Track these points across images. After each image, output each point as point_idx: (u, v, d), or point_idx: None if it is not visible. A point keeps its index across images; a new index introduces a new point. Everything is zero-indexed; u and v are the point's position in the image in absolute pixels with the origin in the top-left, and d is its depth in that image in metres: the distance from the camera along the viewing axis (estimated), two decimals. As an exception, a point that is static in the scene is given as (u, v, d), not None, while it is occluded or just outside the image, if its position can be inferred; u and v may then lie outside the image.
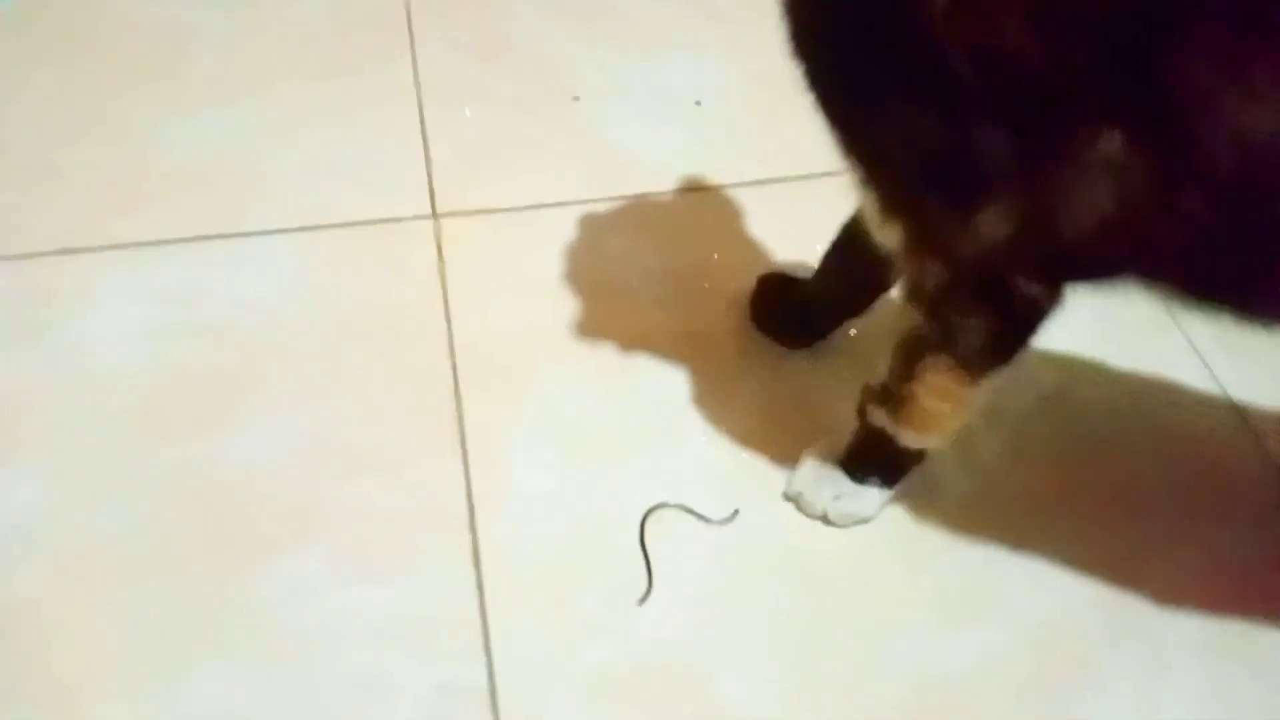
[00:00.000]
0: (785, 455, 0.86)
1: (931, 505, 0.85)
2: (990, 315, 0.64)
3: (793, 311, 0.91)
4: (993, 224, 0.58)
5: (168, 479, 0.80)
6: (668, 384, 0.90)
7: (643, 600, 0.77)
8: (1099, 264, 0.62)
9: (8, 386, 0.84)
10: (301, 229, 0.96)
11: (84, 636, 0.73)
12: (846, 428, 0.83)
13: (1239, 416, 0.95)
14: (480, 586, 0.77)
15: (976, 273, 0.62)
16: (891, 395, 0.75)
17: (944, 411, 0.72)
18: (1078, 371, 0.96)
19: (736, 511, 0.82)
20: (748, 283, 0.94)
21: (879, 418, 0.77)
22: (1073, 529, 0.85)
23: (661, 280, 0.97)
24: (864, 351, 0.92)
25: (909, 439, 0.77)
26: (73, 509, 0.78)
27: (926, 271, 0.65)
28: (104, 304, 0.90)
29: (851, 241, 0.79)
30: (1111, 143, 0.54)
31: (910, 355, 0.71)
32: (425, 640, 0.75)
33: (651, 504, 0.82)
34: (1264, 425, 0.94)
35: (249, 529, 0.78)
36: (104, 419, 0.83)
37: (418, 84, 1.10)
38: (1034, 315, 0.64)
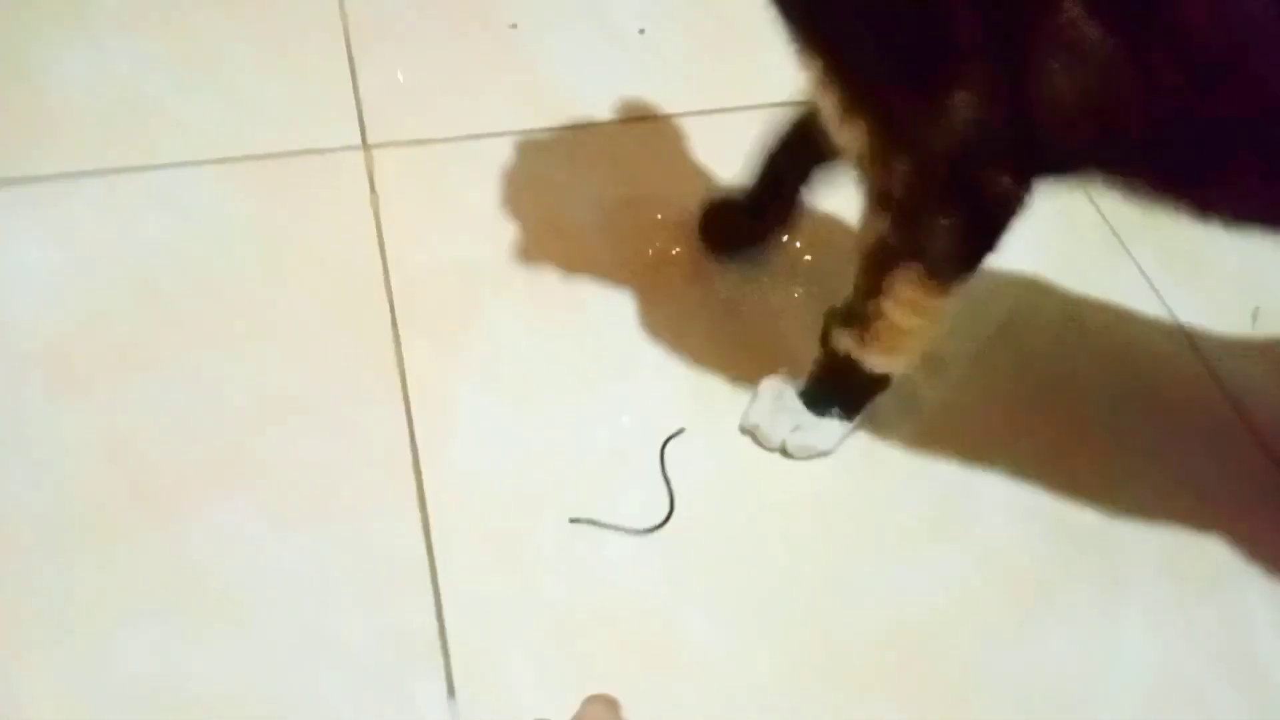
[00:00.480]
0: (741, 386, 0.83)
1: (890, 437, 0.84)
2: (960, 213, 0.62)
3: (736, 220, 0.89)
4: (963, 110, 0.56)
5: (83, 433, 0.74)
6: (617, 317, 0.87)
7: (663, 523, 0.75)
8: (1069, 153, 0.60)
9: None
10: (219, 161, 0.90)
11: (6, 609, 0.67)
12: (805, 358, 0.81)
13: (1189, 341, 0.95)
14: (427, 530, 0.74)
15: (946, 167, 0.60)
16: (858, 315, 0.72)
17: (913, 327, 0.70)
18: (1031, 300, 0.96)
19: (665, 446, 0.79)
20: (695, 211, 0.91)
21: (844, 342, 0.75)
22: (1030, 455, 0.85)
23: (608, 211, 0.93)
24: (821, 280, 0.90)
25: (875, 362, 0.75)
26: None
27: (893, 173, 0.62)
28: (5, 245, 0.83)
29: (790, 144, 0.78)
30: (1084, 18, 0.52)
31: (877, 268, 0.68)
32: (369, 588, 0.71)
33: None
34: (1212, 349, 0.95)
35: (176, 483, 0.73)
36: (6, 371, 0.76)
37: (343, 11, 1.03)
38: (1004, 211, 0.62)
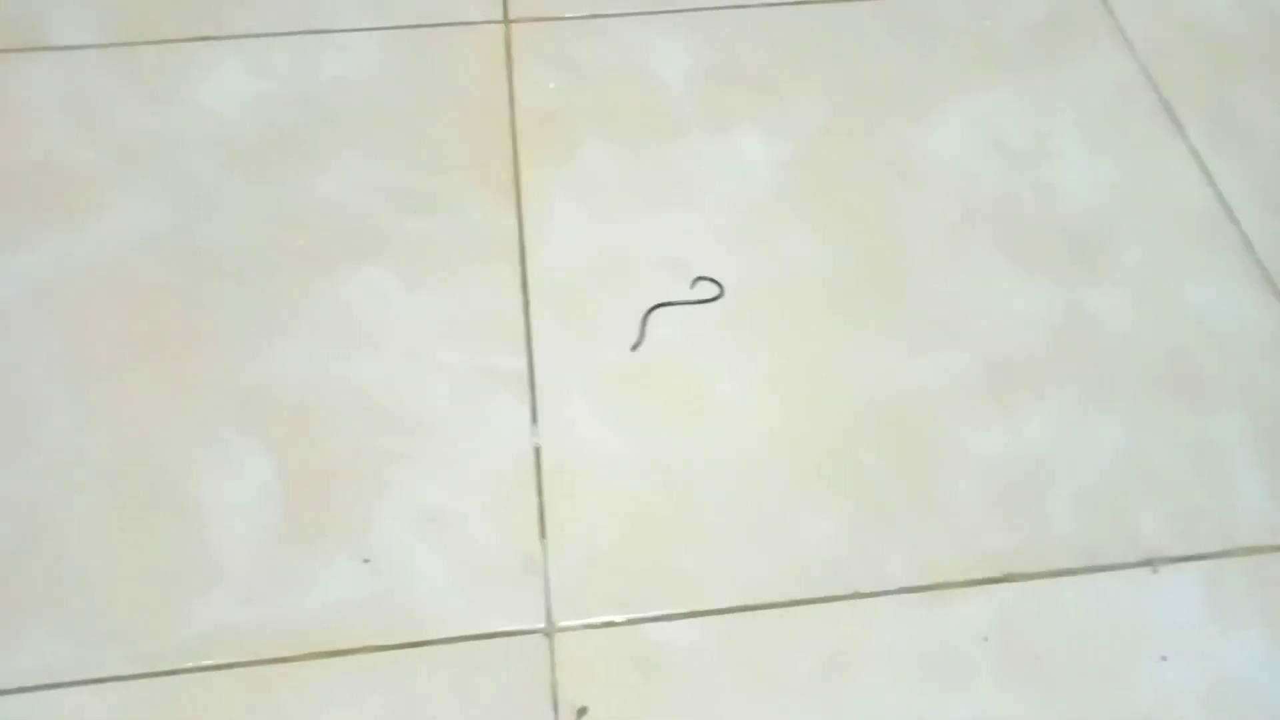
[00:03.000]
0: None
1: (910, 245, 0.97)
2: None
3: None
4: None
5: (267, 208, 0.98)
6: (690, 157, 1.04)
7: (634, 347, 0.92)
8: None
9: (144, 136, 1.02)
10: (389, 28, 1.12)
11: (203, 316, 0.91)
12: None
13: (1228, 214, 1.03)
14: (525, 299, 0.93)
15: None
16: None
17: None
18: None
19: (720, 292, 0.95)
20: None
21: None
22: (1028, 268, 0.97)
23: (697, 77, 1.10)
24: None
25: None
26: (193, 225, 0.96)
27: None
28: (222, 78, 1.07)
29: None
30: None
31: None
32: (477, 337, 0.91)
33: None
34: (1251, 224, 1.02)
35: (333, 248, 0.96)
36: (218, 161, 1.01)
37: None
38: None
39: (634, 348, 0.91)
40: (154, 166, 1.00)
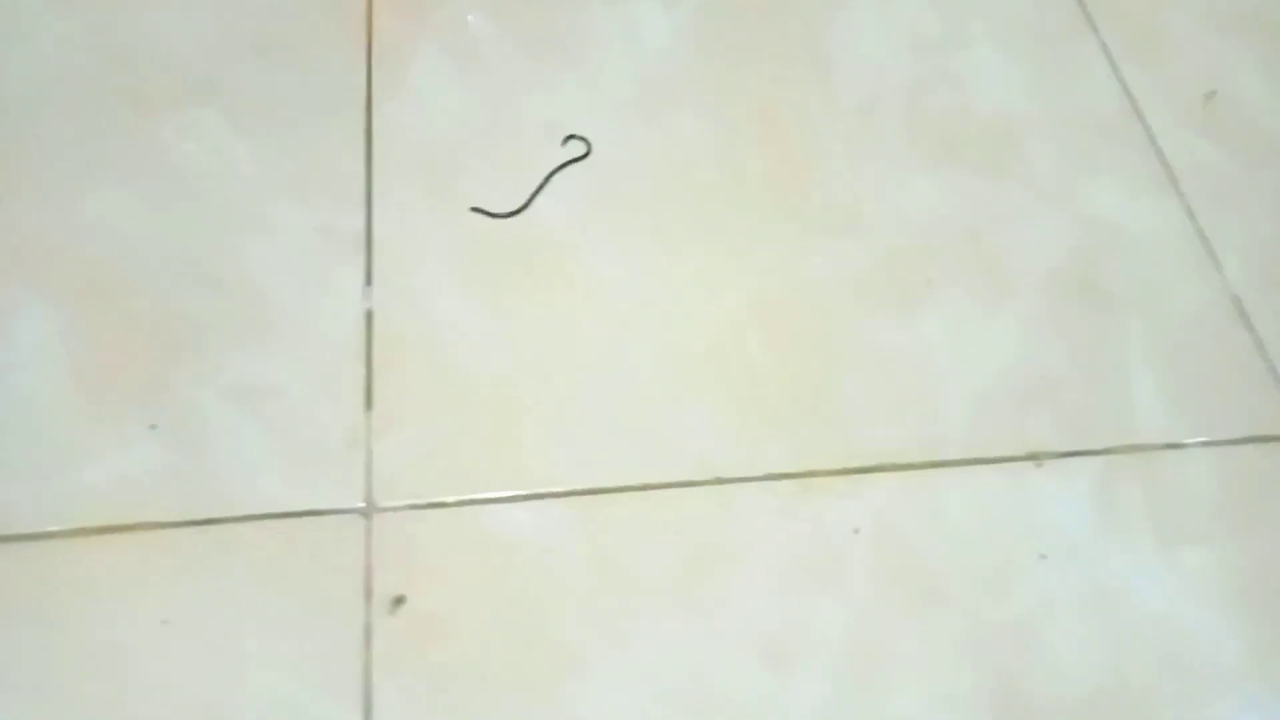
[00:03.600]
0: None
1: (810, 129, 0.90)
2: None
3: None
4: None
5: (77, 36, 0.85)
6: (575, 17, 0.94)
7: (519, 210, 0.82)
8: None
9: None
10: None
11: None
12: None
13: (1138, 115, 0.98)
14: (369, 157, 0.83)
15: None
16: None
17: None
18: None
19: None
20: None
21: None
22: (932, 161, 0.90)
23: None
24: None
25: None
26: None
27: None
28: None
29: None
30: None
31: None
32: (311, 192, 0.80)
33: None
34: (1161, 125, 0.97)
35: (156, 87, 0.84)
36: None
37: None
38: None
39: (514, 213, 0.81)
40: (-60, -21, 0.86)
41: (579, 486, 0.70)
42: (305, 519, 0.67)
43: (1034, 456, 0.74)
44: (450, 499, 0.69)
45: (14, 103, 0.81)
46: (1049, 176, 0.93)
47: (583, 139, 0.86)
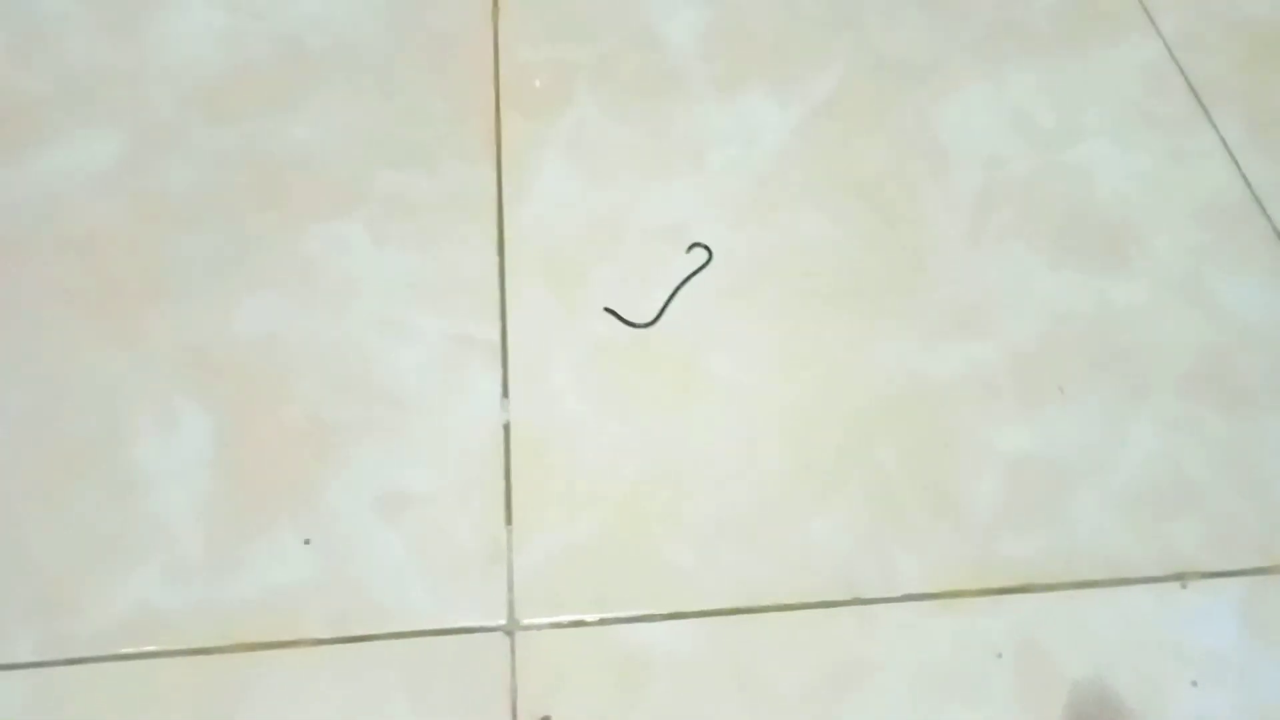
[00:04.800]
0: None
1: (927, 225, 0.89)
2: None
3: None
4: None
5: (232, 150, 0.89)
6: (693, 119, 0.95)
7: (653, 321, 0.83)
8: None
9: (100, 64, 0.93)
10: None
11: (151, 262, 0.82)
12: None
13: (1260, 208, 0.96)
14: (502, 264, 0.85)
15: None
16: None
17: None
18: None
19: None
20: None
21: None
22: (1053, 255, 0.89)
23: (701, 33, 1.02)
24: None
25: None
26: (147, 164, 0.87)
27: None
28: (183, 6, 0.98)
29: None
30: None
31: None
32: (448, 301, 0.82)
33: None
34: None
35: (299, 198, 0.87)
36: (176, 98, 0.92)
37: None
38: None
39: (648, 324, 0.82)
40: (106, 99, 0.90)
41: (716, 606, 0.70)
42: (451, 636, 0.68)
43: (1179, 577, 0.72)
44: (590, 617, 0.69)
45: (175, 216, 0.84)
46: (1173, 270, 0.91)
47: (705, 247, 0.87)
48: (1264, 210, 0.96)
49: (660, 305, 0.83)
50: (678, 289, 0.84)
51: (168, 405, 0.75)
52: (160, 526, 0.71)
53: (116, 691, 0.65)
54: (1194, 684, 0.69)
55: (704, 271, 0.86)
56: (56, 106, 0.90)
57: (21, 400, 0.75)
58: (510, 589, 0.69)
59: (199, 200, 0.86)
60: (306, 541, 0.70)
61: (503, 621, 0.68)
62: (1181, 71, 1.05)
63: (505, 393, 0.78)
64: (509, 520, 0.72)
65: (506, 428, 0.76)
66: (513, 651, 0.67)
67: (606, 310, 0.82)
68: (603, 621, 0.69)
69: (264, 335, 0.79)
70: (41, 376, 0.76)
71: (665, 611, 0.69)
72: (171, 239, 0.83)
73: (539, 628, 0.68)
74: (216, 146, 0.89)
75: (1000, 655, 0.69)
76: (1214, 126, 1.01)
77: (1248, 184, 0.97)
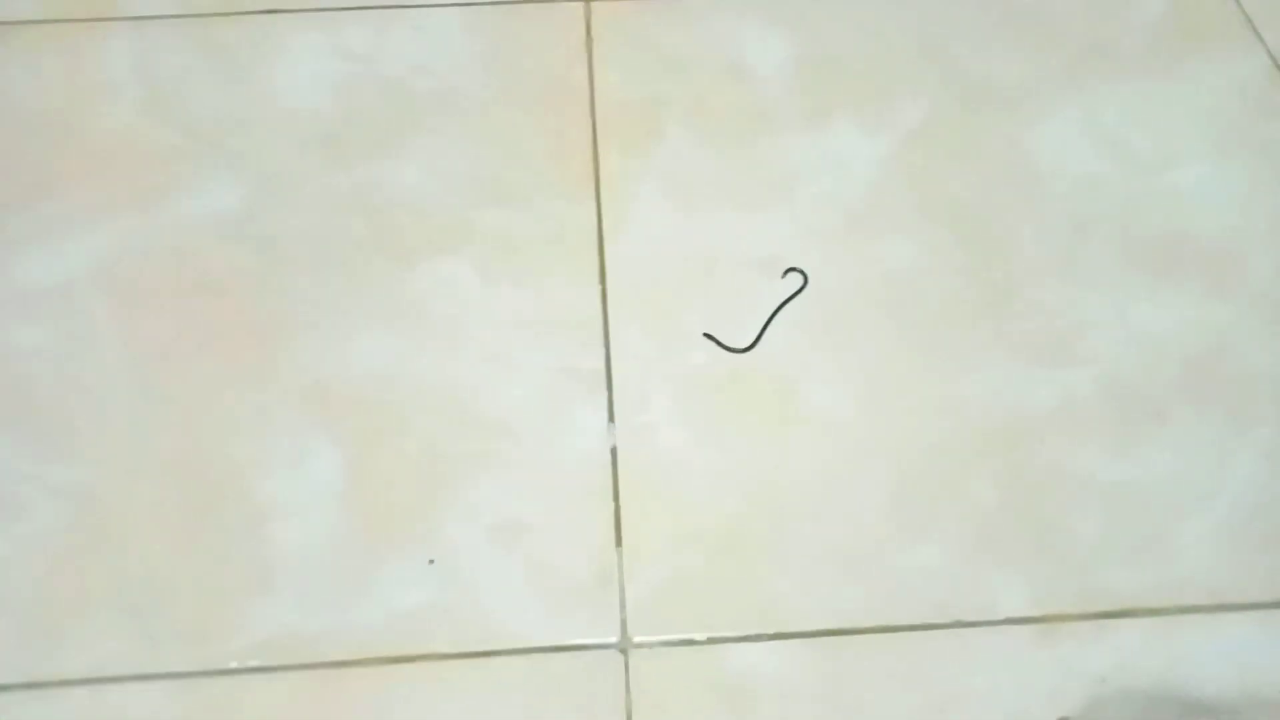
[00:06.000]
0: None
1: (1021, 252, 0.94)
2: None
3: None
4: None
5: (344, 195, 0.98)
6: (784, 151, 1.02)
7: (750, 346, 0.89)
8: None
9: (219, 116, 1.03)
10: (468, 5, 1.12)
11: (275, 303, 0.91)
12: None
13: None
14: (604, 296, 0.92)
15: None
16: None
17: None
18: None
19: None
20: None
21: None
22: (1151, 281, 0.93)
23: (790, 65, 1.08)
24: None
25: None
26: (267, 210, 0.97)
27: None
28: (298, 56, 1.07)
29: None
30: None
31: None
32: (554, 335, 0.90)
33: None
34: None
35: (409, 238, 0.95)
36: (293, 145, 1.01)
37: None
38: None
39: (747, 349, 0.88)
40: (226, 147, 1.00)
41: (818, 627, 0.76)
42: (568, 653, 0.74)
43: (1285, 603, 0.76)
44: (699, 637, 0.75)
45: (295, 258, 0.93)
46: (1276, 295, 0.94)
47: (800, 271, 0.93)
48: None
49: (757, 332, 0.89)
50: (775, 314, 0.90)
51: (297, 440, 0.84)
52: (295, 552, 0.79)
53: (258, 701, 0.73)
54: (1301, 709, 0.72)
55: (799, 301, 0.92)
56: (181, 156, 1.00)
57: (160, 436, 0.84)
58: (622, 608, 0.76)
59: (317, 243, 0.94)
60: (431, 562, 0.78)
61: (616, 639, 0.75)
62: (1286, 88, 1.08)
63: (611, 419, 0.85)
64: (619, 542, 0.79)
65: (614, 452, 0.83)
66: (626, 668, 0.74)
67: (706, 336, 0.89)
68: (710, 640, 0.75)
69: (381, 371, 0.87)
70: (177, 414, 0.85)
71: (769, 632, 0.75)
72: (290, 281, 0.92)
73: (650, 645, 0.75)
74: (328, 192, 0.98)
75: (1104, 680, 0.73)
76: (1319, 145, 1.03)
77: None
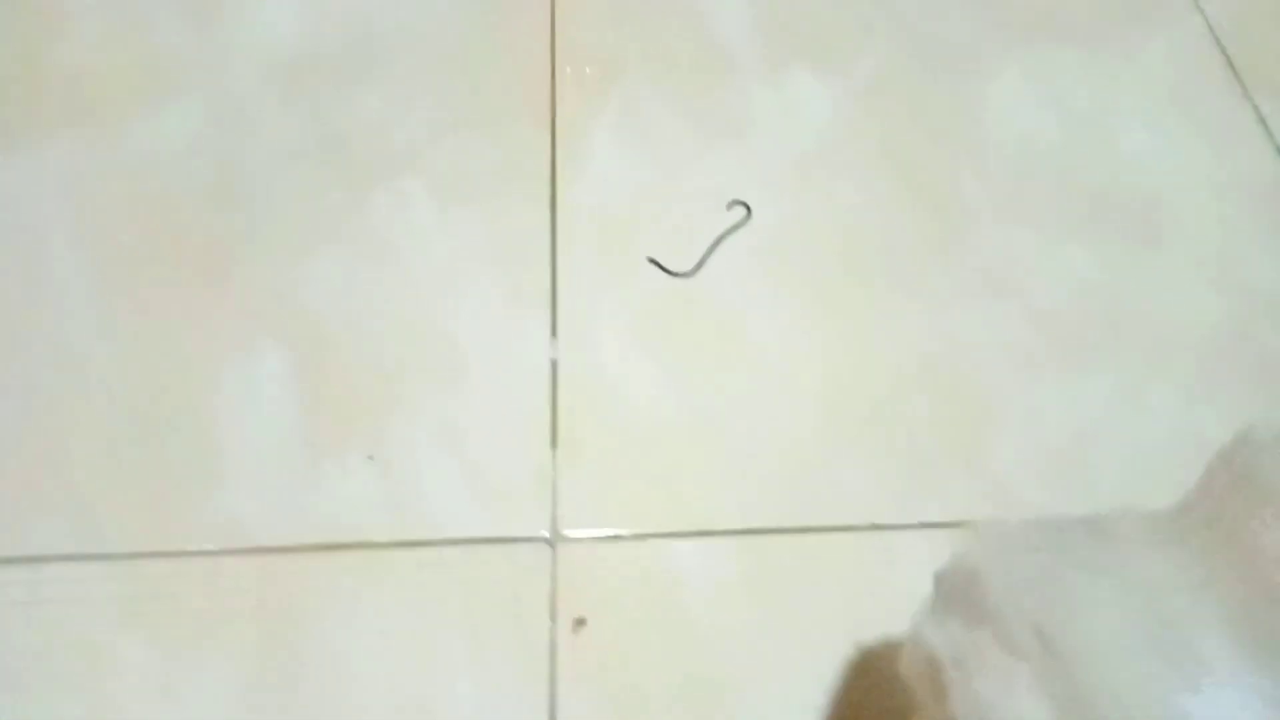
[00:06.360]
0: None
1: (963, 198, 0.98)
2: None
3: None
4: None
5: (303, 121, 1.01)
6: (738, 97, 1.06)
7: (693, 271, 0.93)
8: None
9: (180, 44, 1.06)
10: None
11: (231, 219, 0.94)
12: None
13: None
14: (553, 223, 0.95)
15: None
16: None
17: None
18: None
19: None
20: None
21: None
22: (1085, 230, 0.97)
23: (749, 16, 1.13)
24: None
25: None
26: (226, 134, 1.00)
27: None
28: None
29: None
30: None
31: None
32: (502, 255, 0.93)
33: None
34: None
35: (366, 163, 0.99)
36: (254, 73, 1.04)
37: None
38: None
39: (688, 274, 0.92)
40: (190, 77, 1.04)
41: (743, 526, 0.79)
42: (499, 545, 0.78)
43: (1190, 515, 0.79)
44: (626, 533, 0.79)
45: (253, 179, 0.97)
46: (1204, 248, 0.99)
47: (744, 204, 0.97)
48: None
49: (700, 257, 0.93)
50: (718, 242, 0.94)
51: (247, 344, 0.87)
52: (241, 446, 0.82)
53: (201, 583, 0.76)
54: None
55: (744, 231, 0.96)
56: (145, 83, 1.03)
57: (113, 341, 0.87)
58: (554, 504, 0.79)
59: (274, 166, 0.98)
60: (370, 458, 0.81)
61: (546, 533, 0.78)
62: (1222, 50, 1.13)
63: (554, 333, 0.89)
64: (554, 444, 0.82)
65: (554, 364, 0.87)
66: (554, 561, 0.77)
67: (650, 261, 0.92)
68: (635, 536, 0.78)
69: (333, 286, 0.91)
70: (131, 320, 0.88)
71: (695, 529, 0.79)
72: (248, 200, 0.96)
73: (579, 540, 0.78)
74: (290, 116, 1.01)
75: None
76: (1253, 106, 1.08)
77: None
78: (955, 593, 0.54)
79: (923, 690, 0.52)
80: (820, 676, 0.73)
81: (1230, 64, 1.12)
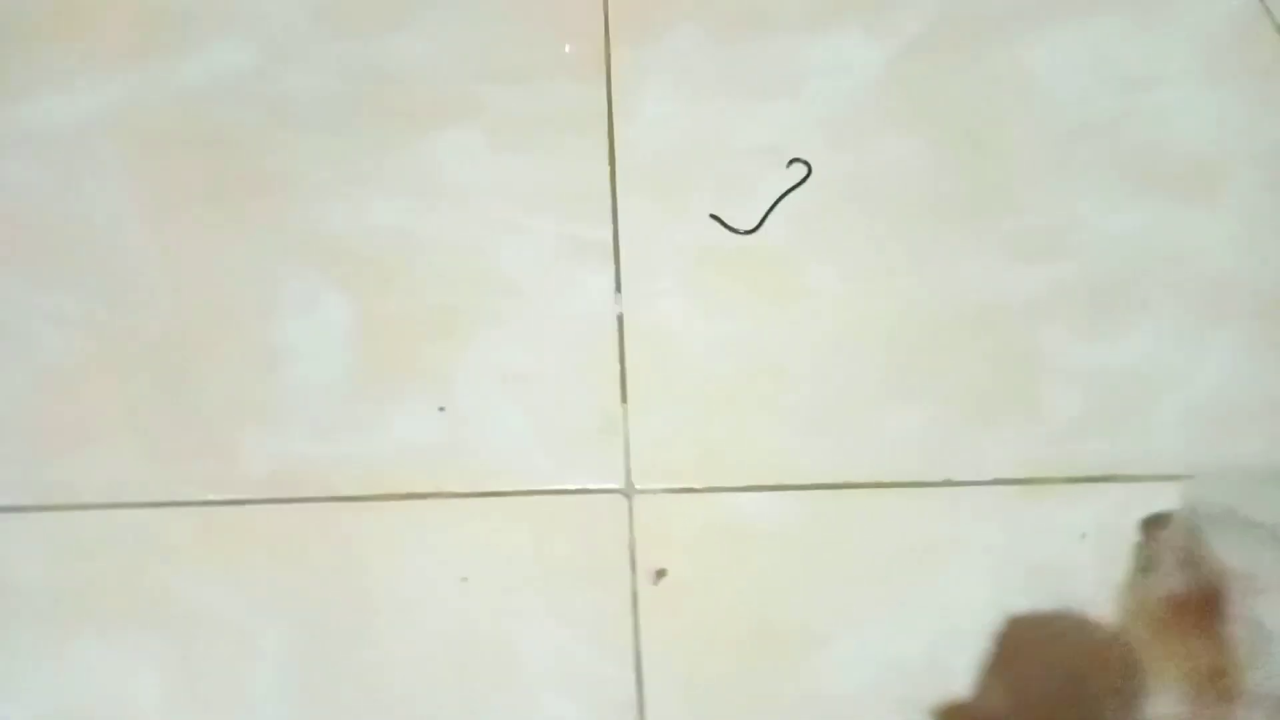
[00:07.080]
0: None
1: (1015, 155, 0.99)
2: None
3: None
4: None
5: (355, 61, 1.00)
6: (791, 51, 1.06)
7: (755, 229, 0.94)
8: None
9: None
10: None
11: (285, 159, 0.94)
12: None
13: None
14: (613, 175, 0.95)
15: None
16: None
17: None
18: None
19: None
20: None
21: None
22: (1137, 188, 0.99)
23: None
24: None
25: None
26: (278, 72, 0.99)
27: None
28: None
29: None
30: None
31: None
32: (563, 204, 0.93)
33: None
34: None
35: (419, 107, 0.98)
36: (306, 11, 1.03)
37: None
38: None
39: (750, 231, 0.92)
40: (241, 11, 1.02)
41: (813, 481, 0.81)
42: (575, 496, 0.79)
43: (1252, 474, 0.82)
44: (698, 485, 0.80)
45: (305, 119, 0.96)
46: (1256, 209, 1.00)
47: (804, 162, 0.97)
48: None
49: (760, 216, 0.94)
50: (779, 200, 0.94)
51: (307, 287, 0.87)
52: (306, 390, 0.82)
53: (266, 531, 0.77)
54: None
55: (802, 188, 0.96)
56: (195, 16, 1.02)
57: (170, 278, 0.87)
58: (626, 457, 0.80)
59: (327, 106, 0.97)
60: (441, 409, 0.81)
61: (620, 485, 0.79)
62: (1269, 13, 1.14)
63: (618, 288, 0.89)
64: (624, 399, 0.83)
65: (620, 319, 0.87)
66: (630, 512, 0.78)
67: (712, 216, 0.93)
68: (708, 489, 0.79)
69: (392, 228, 0.90)
70: (187, 258, 0.88)
71: (764, 484, 0.80)
72: (301, 141, 0.95)
73: (654, 492, 0.79)
74: (343, 57, 1.00)
75: (1084, 536, 0.79)
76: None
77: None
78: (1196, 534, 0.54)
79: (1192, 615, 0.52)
80: (899, 628, 0.74)
81: (1277, 26, 1.13)
